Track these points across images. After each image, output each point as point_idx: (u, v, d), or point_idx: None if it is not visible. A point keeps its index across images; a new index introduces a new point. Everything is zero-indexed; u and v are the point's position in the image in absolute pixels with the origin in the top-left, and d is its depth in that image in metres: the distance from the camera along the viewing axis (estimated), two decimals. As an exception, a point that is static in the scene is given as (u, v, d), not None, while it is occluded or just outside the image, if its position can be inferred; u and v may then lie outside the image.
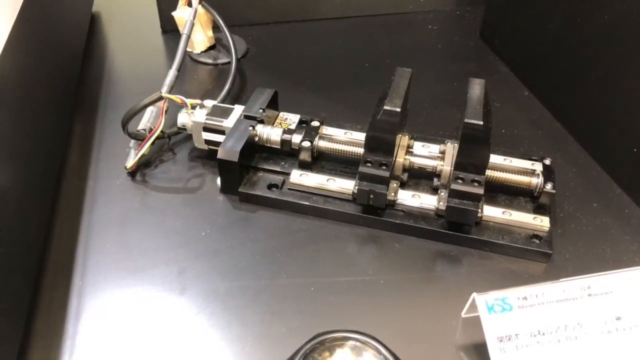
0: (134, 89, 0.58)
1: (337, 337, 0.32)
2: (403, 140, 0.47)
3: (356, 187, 0.43)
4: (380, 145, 0.42)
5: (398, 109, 0.41)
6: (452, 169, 0.43)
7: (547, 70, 0.57)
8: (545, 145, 0.52)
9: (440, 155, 0.47)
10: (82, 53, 0.63)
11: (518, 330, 0.34)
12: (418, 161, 0.46)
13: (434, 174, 0.46)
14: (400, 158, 0.45)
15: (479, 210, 0.41)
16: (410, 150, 0.48)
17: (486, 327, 0.34)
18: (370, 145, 0.43)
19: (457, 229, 0.43)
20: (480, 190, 0.41)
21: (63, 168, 0.49)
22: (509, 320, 0.34)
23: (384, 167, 0.43)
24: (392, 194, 0.44)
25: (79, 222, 0.44)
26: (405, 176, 0.46)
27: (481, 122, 0.39)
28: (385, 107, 0.41)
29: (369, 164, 0.43)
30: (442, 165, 0.45)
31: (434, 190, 0.45)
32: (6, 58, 0.37)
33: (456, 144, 0.44)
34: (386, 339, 0.34)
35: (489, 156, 0.41)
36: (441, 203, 0.43)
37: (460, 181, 0.41)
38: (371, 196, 0.42)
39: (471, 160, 0.41)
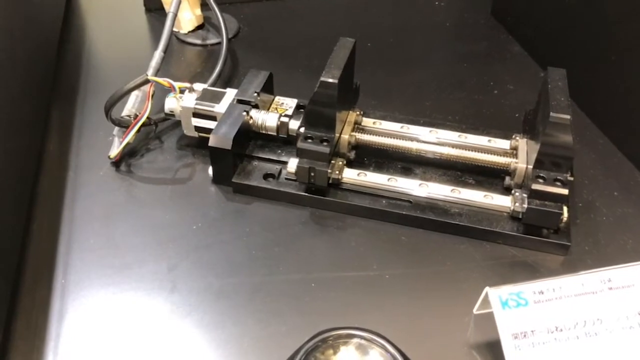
0: (115, 73, 0.58)
1: (342, 334, 0.33)
2: (351, 116, 0.48)
3: (297, 165, 0.44)
4: (320, 120, 0.43)
5: (335, 81, 0.41)
6: (528, 166, 0.43)
7: (563, 50, 0.57)
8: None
9: (504, 150, 0.46)
10: (58, 34, 0.63)
11: (534, 326, 0.34)
12: (366, 138, 0.47)
13: (447, 164, 0.46)
14: (346, 134, 0.46)
15: (562, 212, 0.41)
16: (359, 126, 0.48)
17: (500, 323, 0.34)
18: (310, 119, 0.44)
19: (466, 221, 0.43)
20: (565, 191, 0.40)
21: (41, 159, 0.49)
22: (524, 316, 0.35)
23: (325, 144, 0.43)
24: (337, 172, 0.44)
25: (59, 217, 0.44)
26: (352, 154, 0.47)
27: (568, 116, 0.39)
28: (322, 79, 0.42)
29: (309, 140, 0.43)
30: (516, 163, 0.44)
31: (447, 180, 0.46)
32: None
33: (528, 139, 0.45)
34: (393, 338, 0.34)
35: (574, 153, 0.41)
36: (517, 204, 0.42)
37: (541, 180, 0.41)
38: (312, 174, 0.43)
39: (554, 157, 0.41)
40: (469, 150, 0.46)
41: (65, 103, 0.55)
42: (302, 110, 0.49)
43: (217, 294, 0.40)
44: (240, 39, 0.64)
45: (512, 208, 0.43)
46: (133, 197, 0.47)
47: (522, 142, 0.46)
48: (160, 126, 0.52)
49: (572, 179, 0.44)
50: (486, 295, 0.36)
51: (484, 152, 0.46)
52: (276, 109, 0.50)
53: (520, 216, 0.43)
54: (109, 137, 0.50)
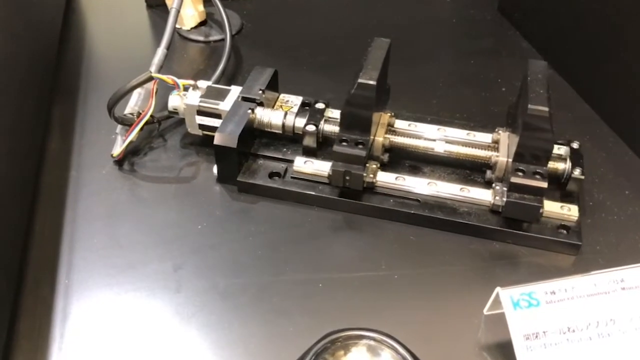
0: (117, 70, 0.58)
1: (351, 335, 0.33)
2: (384, 118, 0.47)
3: (331, 169, 0.44)
4: (356, 122, 0.43)
5: (373, 82, 0.41)
6: (508, 159, 0.43)
7: (573, 46, 0.57)
8: (572, 128, 0.53)
9: (487, 143, 0.47)
10: (59, 31, 0.63)
11: (546, 327, 0.34)
12: (400, 140, 0.47)
13: (457, 162, 0.47)
14: (380, 137, 0.46)
15: (541, 206, 0.41)
16: (392, 128, 0.48)
17: (511, 324, 0.34)
18: (345, 122, 0.43)
19: (476, 220, 0.43)
20: (544, 184, 0.41)
21: (43, 157, 0.49)
22: (536, 316, 0.35)
23: (360, 146, 0.43)
24: (371, 175, 0.44)
25: (62, 216, 0.45)
26: (385, 157, 0.47)
27: (547, 109, 0.40)
28: (360, 80, 0.41)
29: (344, 143, 0.43)
30: (497, 156, 0.45)
31: (453, 179, 0.46)
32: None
33: (510, 132, 0.45)
34: (402, 339, 0.34)
35: (552, 145, 0.42)
36: (497, 198, 0.43)
37: (520, 173, 0.41)
38: (347, 177, 0.43)
39: (533, 150, 0.41)
40: (458, 144, 0.47)
41: (67, 101, 0.55)
42: (307, 108, 0.49)
43: (223, 294, 0.40)
44: (244, 36, 0.64)
45: (492, 202, 0.43)
46: (136, 196, 0.47)
47: (503, 136, 0.46)
48: (164, 124, 0.52)
49: (582, 177, 0.44)
50: (497, 295, 0.36)
51: (467, 146, 0.46)
52: (281, 106, 0.50)
53: (500, 210, 0.43)
54: (112, 135, 0.50)
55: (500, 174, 0.45)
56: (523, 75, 0.43)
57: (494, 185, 0.44)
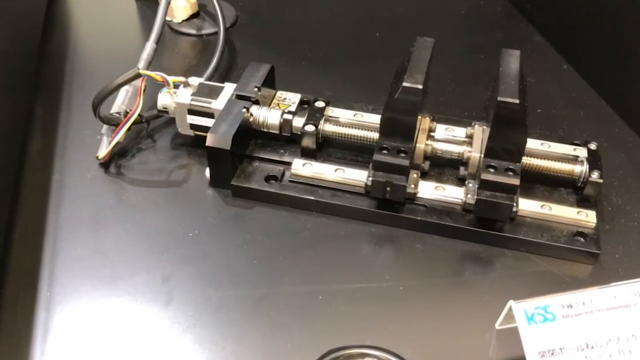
0: (104, 66, 0.58)
1: (353, 353, 0.33)
2: (424, 122, 0.47)
3: (370, 179, 0.43)
4: (398, 129, 0.42)
5: (420, 86, 0.41)
6: (482, 155, 0.43)
7: (589, 40, 0.57)
8: (588, 127, 0.53)
9: (467, 140, 0.47)
10: (41, 23, 0.62)
11: (563, 343, 0.34)
12: (441, 147, 0.46)
13: (460, 161, 0.46)
14: (422, 144, 0.45)
15: (514, 204, 0.41)
16: (432, 134, 0.47)
17: (525, 340, 0.34)
18: (386, 129, 0.43)
19: (488, 227, 0.43)
20: (516, 181, 0.41)
21: (23, 160, 0.49)
22: (552, 332, 0.34)
23: (402, 155, 0.42)
24: (412, 185, 0.44)
25: (44, 223, 0.44)
26: (426, 165, 0.46)
27: (517, 101, 0.39)
28: (405, 84, 0.41)
29: (385, 151, 0.43)
30: (469, 152, 0.45)
31: (461, 181, 0.45)
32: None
33: (486, 127, 0.44)
34: (408, 355, 0.34)
35: (525, 140, 0.41)
36: (469, 196, 0.43)
37: (492, 170, 0.41)
38: (388, 189, 0.42)
39: (505, 145, 0.41)
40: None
41: (49, 99, 0.54)
42: (306, 106, 0.49)
43: (217, 307, 0.40)
44: (239, 29, 0.64)
45: (464, 200, 0.43)
46: (123, 202, 0.46)
47: (478, 130, 0.46)
48: (153, 124, 0.51)
49: (600, 181, 0.44)
50: (510, 309, 0.35)
51: (445, 143, 0.46)
52: (278, 104, 0.50)
53: (471, 208, 0.43)
54: (97, 136, 0.49)
55: (473, 170, 0.44)
56: (496, 65, 0.43)
57: (466, 182, 0.44)
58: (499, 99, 0.40)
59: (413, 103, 0.41)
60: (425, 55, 0.43)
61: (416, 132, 0.44)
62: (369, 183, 0.43)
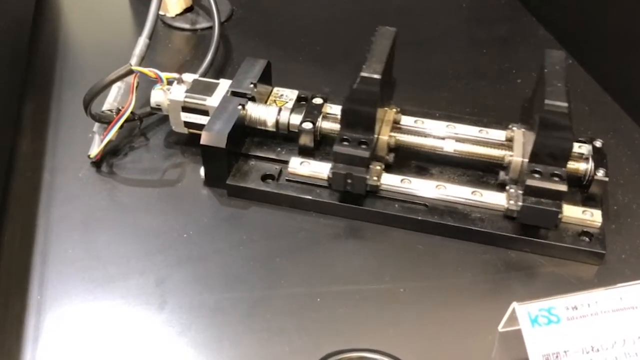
0: (95, 62, 0.58)
1: (352, 357, 0.33)
2: (389, 114, 0.47)
3: (331, 171, 0.43)
4: (359, 120, 0.43)
5: (377, 76, 0.41)
6: (525, 159, 0.42)
7: (595, 34, 0.57)
8: (594, 124, 0.53)
9: (505, 143, 0.46)
10: (30, 18, 0.62)
11: (567, 346, 0.34)
12: (411, 140, 0.46)
13: (468, 162, 0.46)
14: (385, 135, 0.46)
15: (560, 211, 0.41)
16: (398, 126, 0.48)
17: (529, 343, 0.34)
18: (347, 120, 0.43)
19: (490, 227, 0.43)
20: (563, 187, 0.41)
21: (12, 159, 0.49)
22: (556, 334, 0.34)
23: (363, 146, 0.43)
24: (375, 177, 0.44)
25: (34, 224, 0.44)
26: (391, 157, 0.46)
27: (566, 104, 0.39)
28: (363, 74, 0.41)
29: (345, 143, 0.43)
30: (511, 156, 0.44)
31: (501, 186, 0.45)
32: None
33: (526, 130, 0.44)
34: (409, 359, 0.34)
35: (572, 145, 0.41)
36: (511, 202, 0.43)
37: (537, 175, 0.41)
38: (348, 181, 0.43)
39: (551, 149, 0.41)
40: (469, 143, 0.46)
41: (39, 96, 0.54)
42: (303, 103, 0.49)
43: (212, 310, 0.40)
44: (234, 23, 0.64)
45: (506, 206, 0.43)
46: (116, 202, 0.46)
47: (518, 133, 0.46)
48: (146, 122, 0.51)
49: (606, 179, 0.44)
50: (513, 311, 0.35)
51: (478, 144, 0.46)
52: (275, 101, 0.50)
53: (514, 215, 0.43)
54: (89, 134, 0.49)
55: (514, 175, 0.44)
56: (539, 67, 0.43)
57: (507, 188, 0.44)
58: (546, 102, 0.39)
59: (372, 93, 0.41)
60: (386, 44, 0.44)
61: (380, 123, 0.44)
62: (330, 175, 0.43)
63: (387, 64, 0.43)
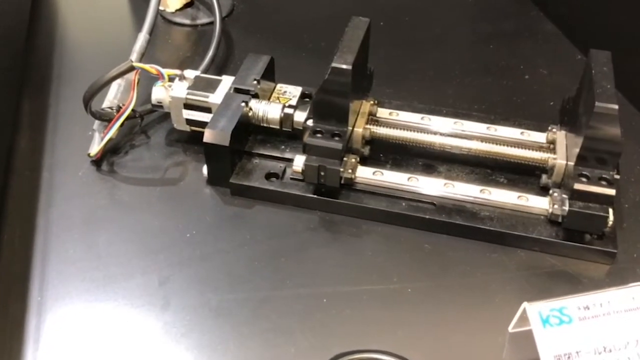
0: (94, 58, 0.58)
1: (361, 358, 0.33)
2: (364, 106, 0.47)
3: (304, 163, 0.44)
4: (331, 111, 0.43)
5: (348, 67, 0.41)
6: (569, 162, 0.42)
7: (604, 28, 0.57)
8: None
9: (546, 145, 0.46)
10: (28, 15, 0.62)
11: (579, 346, 0.34)
12: (448, 142, 0.46)
13: (476, 160, 0.46)
14: (360, 128, 0.46)
15: (608, 216, 0.41)
16: (375, 118, 0.48)
17: (540, 343, 0.34)
18: (319, 111, 0.43)
19: (499, 225, 0.43)
20: (612, 191, 0.41)
21: (11, 158, 0.49)
22: (568, 334, 0.34)
23: (336, 138, 0.43)
24: (350, 170, 0.44)
25: (33, 224, 0.44)
26: (366, 150, 0.47)
27: (616, 106, 0.39)
28: (334, 65, 0.41)
29: (318, 135, 0.43)
30: (554, 159, 0.44)
31: (544, 190, 0.45)
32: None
33: (568, 132, 0.45)
34: (418, 360, 0.34)
35: (622, 147, 0.41)
36: (555, 206, 0.42)
37: (584, 179, 0.41)
38: (322, 173, 0.43)
39: (599, 153, 0.41)
40: (499, 144, 0.46)
41: (38, 93, 0.55)
42: (307, 99, 0.49)
43: (216, 311, 0.40)
44: (236, 18, 0.64)
45: (550, 211, 0.43)
46: (117, 201, 0.46)
47: (560, 135, 0.46)
48: (147, 119, 0.51)
49: (618, 177, 0.44)
50: (524, 311, 0.36)
51: (517, 147, 0.46)
52: (278, 98, 0.50)
53: (559, 220, 0.42)
54: (89, 132, 0.49)
55: (558, 178, 0.44)
56: (585, 66, 0.43)
57: (551, 192, 0.44)
58: (597, 104, 0.39)
59: (344, 84, 0.42)
60: (358, 35, 0.44)
61: (355, 115, 0.44)
62: (303, 168, 0.44)
63: (360, 54, 0.43)
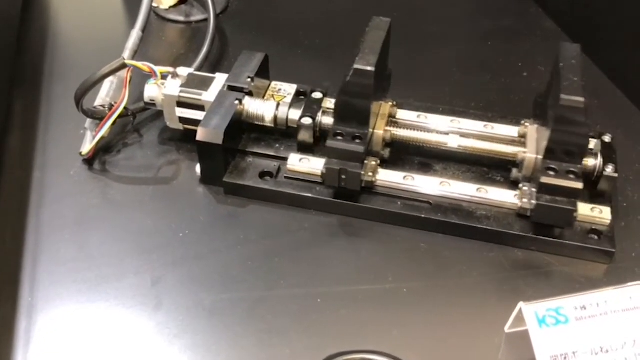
0: (86, 56, 0.58)
1: (355, 358, 0.33)
2: (384, 108, 0.47)
3: (325, 166, 0.44)
4: (353, 113, 0.43)
5: (371, 68, 0.41)
6: (539, 156, 0.43)
7: (604, 25, 0.57)
8: (603, 118, 0.53)
9: (518, 139, 0.47)
10: (19, 11, 0.62)
11: (576, 347, 0.34)
12: (432, 138, 0.46)
13: (472, 159, 0.46)
14: (380, 130, 0.46)
15: (576, 210, 0.41)
16: (395, 120, 0.48)
17: (536, 344, 0.34)
18: (340, 113, 0.44)
19: (496, 225, 0.43)
20: (579, 184, 0.41)
21: (1, 156, 0.49)
22: (564, 335, 0.34)
23: (357, 141, 0.43)
24: (370, 173, 0.44)
25: (24, 224, 0.44)
26: (386, 152, 0.47)
27: (582, 99, 0.39)
28: (356, 66, 0.41)
29: (339, 137, 0.43)
30: (524, 153, 0.44)
31: (514, 184, 0.45)
32: None
33: (539, 126, 0.45)
34: (413, 361, 0.34)
35: (588, 141, 0.41)
36: (524, 200, 0.43)
37: (552, 173, 0.41)
38: (343, 177, 0.43)
39: (566, 146, 0.41)
40: (476, 139, 0.46)
41: (29, 92, 0.55)
42: (302, 97, 0.49)
43: (210, 311, 0.40)
44: (230, 15, 0.64)
45: (519, 205, 0.43)
46: (109, 200, 0.46)
47: (531, 129, 0.46)
48: (139, 117, 0.52)
49: (615, 175, 0.44)
50: (520, 311, 0.36)
51: (486, 140, 0.46)
52: (273, 96, 0.50)
53: (528, 214, 0.43)
54: (80, 130, 0.49)
55: (528, 173, 0.44)
56: (555, 60, 0.43)
57: (520, 185, 0.44)
58: (562, 96, 0.40)
59: (366, 86, 0.42)
60: (380, 36, 0.44)
61: (375, 117, 0.44)
62: (324, 171, 0.44)
63: (382, 55, 0.43)
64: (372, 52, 0.42)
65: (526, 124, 0.47)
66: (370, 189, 0.45)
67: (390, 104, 0.48)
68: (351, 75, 0.42)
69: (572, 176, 0.41)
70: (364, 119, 0.43)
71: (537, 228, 0.43)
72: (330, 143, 0.43)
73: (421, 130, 0.47)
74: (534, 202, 0.42)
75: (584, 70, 0.42)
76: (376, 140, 0.46)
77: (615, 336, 0.34)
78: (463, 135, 0.47)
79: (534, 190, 0.42)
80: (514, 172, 0.45)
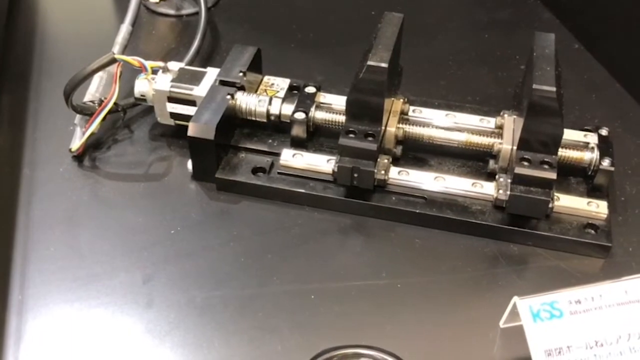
0: (75, 51, 0.59)
1: (347, 353, 0.33)
2: (396, 105, 0.48)
3: (337, 165, 0.44)
4: (365, 111, 0.43)
5: (385, 65, 0.42)
6: (515, 147, 0.43)
7: (602, 17, 0.58)
8: (600, 112, 0.53)
9: (496, 130, 0.47)
10: (6, 5, 0.62)
11: (570, 341, 0.35)
12: (438, 134, 0.47)
13: (466, 153, 0.47)
14: (392, 127, 0.46)
15: (550, 200, 0.42)
16: (406, 117, 0.48)
17: (531, 338, 0.35)
18: (353, 111, 0.44)
19: (491, 219, 0.44)
20: (552, 175, 0.41)
21: (-10, 153, 0.49)
22: (559, 329, 0.35)
23: (370, 139, 0.44)
24: (382, 171, 0.45)
25: (13, 221, 0.45)
26: (398, 150, 0.47)
27: (554, 88, 0.40)
28: (370, 63, 0.42)
29: (351, 135, 0.44)
30: (500, 144, 0.45)
31: (491, 175, 0.46)
32: None
33: (517, 117, 0.45)
34: (407, 357, 0.35)
35: (562, 131, 0.42)
36: (500, 191, 0.43)
37: (526, 163, 0.42)
38: (355, 175, 0.43)
39: (540, 136, 0.42)
40: (458, 131, 0.47)
41: (17, 88, 0.55)
42: (295, 92, 0.50)
43: (202, 309, 0.40)
44: (222, 9, 0.64)
45: (495, 196, 0.44)
46: (99, 197, 0.47)
47: (508, 120, 0.47)
48: (130, 113, 0.52)
49: (612, 169, 0.45)
50: (514, 306, 0.36)
51: (467, 133, 0.47)
52: (265, 90, 0.50)
53: (503, 205, 0.43)
54: (70, 126, 0.50)
55: (504, 164, 0.45)
56: (530, 49, 0.44)
57: (497, 177, 0.45)
58: (534, 86, 0.40)
59: (379, 83, 0.42)
60: (393, 31, 0.44)
61: (387, 114, 0.45)
62: (336, 169, 0.44)
63: (395, 52, 0.43)
64: (385, 49, 0.43)
65: (505, 115, 0.47)
66: (382, 187, 0.45)
67: (402, 100, 0.49)
68: (364, 71, 0.42)
69: (546, 166, 0.42)
70: (376, 117, 0.44)
71: (532, 223, 0.44)
72: (342, 141, 0.43)
73: (431, 127, 0.47)
74: (508, 192, 0.42)
75: (558, 59, 0.42)
76: (388, 137, 0.46)
77: (610, 330, 0.35)
78: (452, 129, 0.47)
79: (509, 181, 0.43)
80: (491, 164, 0.46)
